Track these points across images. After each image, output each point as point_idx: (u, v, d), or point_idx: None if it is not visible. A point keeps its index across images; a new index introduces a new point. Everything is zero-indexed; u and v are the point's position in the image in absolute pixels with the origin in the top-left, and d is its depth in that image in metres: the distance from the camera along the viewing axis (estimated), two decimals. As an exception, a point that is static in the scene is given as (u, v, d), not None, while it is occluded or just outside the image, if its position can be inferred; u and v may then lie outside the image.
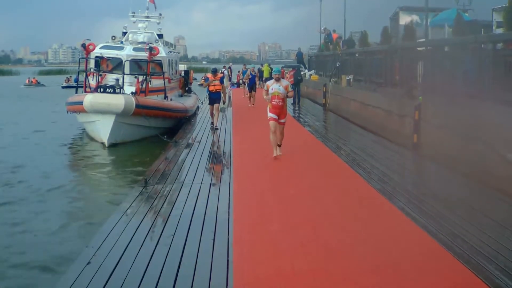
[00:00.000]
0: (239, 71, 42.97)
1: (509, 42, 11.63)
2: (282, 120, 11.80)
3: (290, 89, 11.78)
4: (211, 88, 17.90)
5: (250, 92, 25.02)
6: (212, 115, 18.28)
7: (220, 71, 37.63)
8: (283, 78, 51.93)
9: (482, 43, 12.12)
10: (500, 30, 17.21)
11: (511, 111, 9.44)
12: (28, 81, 64.70)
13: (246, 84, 29.10)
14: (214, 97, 18.01)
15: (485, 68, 11.49)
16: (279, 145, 12.02)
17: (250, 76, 25.94)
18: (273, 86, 11.63)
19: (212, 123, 18.22)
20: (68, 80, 57.57)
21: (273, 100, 11.62)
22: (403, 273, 5.46)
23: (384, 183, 9.45)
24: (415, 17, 22.86)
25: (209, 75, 18.56)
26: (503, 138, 9.31)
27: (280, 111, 11.66)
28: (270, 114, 11.71)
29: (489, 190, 8.99)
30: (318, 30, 33.84)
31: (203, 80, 33.93)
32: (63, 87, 54.14)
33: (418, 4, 23.39)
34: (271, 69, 39.09)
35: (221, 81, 18.07)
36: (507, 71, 10.68)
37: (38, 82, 64.71)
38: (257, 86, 26.93)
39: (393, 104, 15.12)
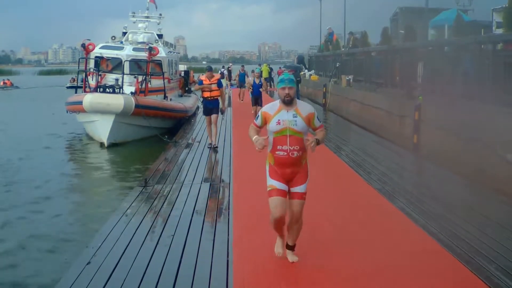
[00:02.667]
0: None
1: (509, 42, 11.63)
2: (298, 189, 5.50)
3: (317, 122, 5.73)
4: (206, 94, 13.52)
5: (254, 105, 18.18)
6: (209, 130, 13.97)
7: (219, 71, 37.01)
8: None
9: (482, 43, 12.13)
10: (500, 31, 17.23)
11: (511, 112, 9.45)
12: (3, 83, 60.59)
13: (239, 85, 28.36)
14: (211, 106, 13.65)
15: (484, 68, 11.50)
16: (291, 247, 5.82)
17: (254, 84, 19.23)
18: (280, 117, 5.43)
19: (210, 143, 13.97)
20: (74, 80, 56.72)
21: (279, 148, 5.40)
22: (403, 273, 5.45)
23: (384, 184, 9.44)
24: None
25: (203, 77, 13.85)
26: (502, 138, 9.32)
27: (294, 171, 5.48)
28: (272, 182, 5.51)
29: (488, 190, 8.99)
30: (328, 29, 33.79)
31: (193, 78, 30.90)
32: (68, 87, 53.56)
33: (418, 4, 23.44)
34: (271, 69, 38.61)
35: (219, 85, 13.62)
36: (507, 71, 10.68)
37: (12, 84, 60.86)
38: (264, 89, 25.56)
39: (393, 105, 15.13)
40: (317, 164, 11.29)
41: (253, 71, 28.53)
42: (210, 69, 14.11)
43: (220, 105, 13.81)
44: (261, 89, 18.65)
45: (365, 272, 5.47)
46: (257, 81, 18.52)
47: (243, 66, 31.22)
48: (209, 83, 13.43)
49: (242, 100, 27.05)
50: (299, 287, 5.20)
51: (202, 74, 14.32)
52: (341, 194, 8.78)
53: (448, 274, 5.44)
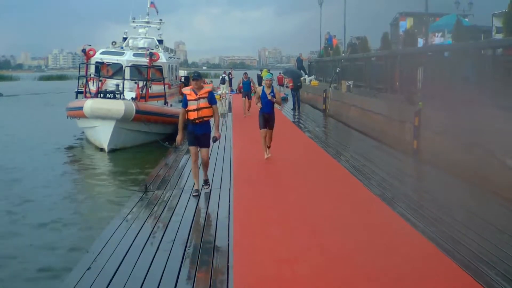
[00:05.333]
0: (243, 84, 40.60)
1: (509, 47, 11.65)
2: None
3: None
4: (192, 114, 9.05)
5: (264, 127, 12.12)
6: (196, 170, 9.41)
7: (220, 77, 36.27)
8: (282, 85, 47.25)
9: (481, 48, 12.15)
10: (500, 36, 17.26)
11: (511, 117, 9.45)
12: None
13: (244, 95, 22.71)
14: (199, 133, 9.19)
15: (484, 73, 11.51)
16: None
17: (263, 95, 12.18)
18: None
19: (197, 190, 9.41)
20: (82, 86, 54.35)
21: None
22: (403, 278, 5.46)
23: (384, 189, 9.45)
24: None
25: (187, 90, 9.22)
26: (502, 144, 9.32)
27: None
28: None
29: (489, 195, 8.99)
30: (325, 35, 33.99)
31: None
32: (77, 93, 52.07)
33: (418, 9, 23.50)
34: (271, 74, 38.69)
35: (211, 101, 9.11)
36: (507, 76, 10.70)
37: None
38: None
39: (393, 110, 15.13)
40: (317, 169, 11.34)
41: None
42: (197, 77, 9.35)
43: (213, 132, 9.30)
44: (274, 100, 12.03)
45: (365, 277, 5.48)
46: (267, 91, 11.99)
47: (246, 73, 24.53)
48: (197, 98, 9.02)
49: (248, 112, 22.28)
50: (299, 292, 5.21)
51: (186, 88, 9.39)
52: (341, 199, 8.78)
53: (447, 279, 5.44)
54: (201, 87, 9.18)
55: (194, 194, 9.35)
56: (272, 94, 12.01)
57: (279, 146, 13.42)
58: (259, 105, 12.05)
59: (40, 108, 40.28)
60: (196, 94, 9.05)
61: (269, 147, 12.27)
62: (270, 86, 12.22)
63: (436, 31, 23.26)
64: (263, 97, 12.05)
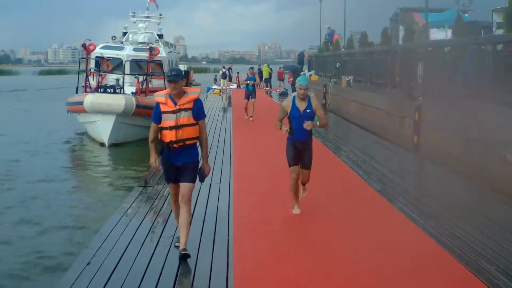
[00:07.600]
0: (238, 73, 40.83)
1: (509, 43, 11.64)
2: None
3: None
4: (168, 135, 5.85)
5: (296, 163, 7.51)
6: (177, 211, 6.37)
7: (220, 72, 35.91)
8: (282, 79, 45.15)
9: (482, 44, 12.13)
10: (500, 31, 17.24)
11: (511, 112, 9.45)
12: None
13: (247, 95, 18.45)
14: (179, 163, 5.97)
15: (485, 69, 11.50)
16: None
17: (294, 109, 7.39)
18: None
19: (183, 248, 6.00)
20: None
21: None
22: (403, 274, 5.46)
23: (384, 184, 9.44)
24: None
25: (161, 96, 5.95)
26: (503, 139, 9.32)
27: None
28: None
29: (489, 191, 8.99)
30: (327, 29, 33.97)
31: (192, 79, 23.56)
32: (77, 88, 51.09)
33: (419, 4, 23.45)
34: (271, 69, 38.67)
35: (198, 114, 5.91)
36: (507, 72, 10.69)
37: None
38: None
39: (393, 105, 15.12)
40: (317, 164, 11.30)
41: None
42: (175, 77, 5.84)
43: (201, 163, 6.18)
44: (312, 125, 7.33)
45: (365, 273, 5.48)
46: (301, 107, 7.35)
47: (252, 68, 20.33)
48: (176, 109, 5.84)
49: (251, 117, 18.73)
50: (299, 287, 5.21)
51: (160, 94, 6.11)
52: (341, 195, 8.78)
53: (448, 275, 5.44)
54: (183, 93, 5.92)
55: (182, 253, 5.93)
56: (309, 111, 7.33)
57: (279, 142, 13.35)
58: (285, 128, 7.39)
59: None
60: (175, 104, 5.85)
61: (303, 185, 7.86)
62: (306, 97, 7.36)
63: (436, 26, 23.22)
64: (293, 116, 7.37)
